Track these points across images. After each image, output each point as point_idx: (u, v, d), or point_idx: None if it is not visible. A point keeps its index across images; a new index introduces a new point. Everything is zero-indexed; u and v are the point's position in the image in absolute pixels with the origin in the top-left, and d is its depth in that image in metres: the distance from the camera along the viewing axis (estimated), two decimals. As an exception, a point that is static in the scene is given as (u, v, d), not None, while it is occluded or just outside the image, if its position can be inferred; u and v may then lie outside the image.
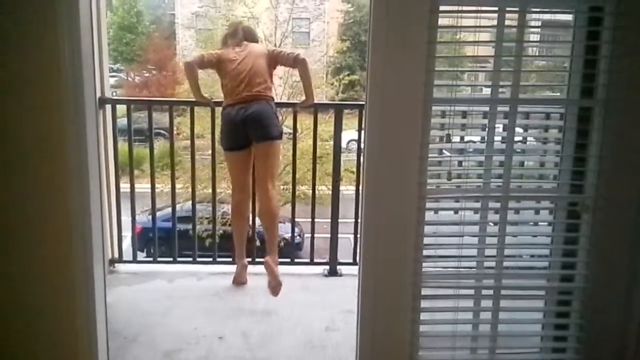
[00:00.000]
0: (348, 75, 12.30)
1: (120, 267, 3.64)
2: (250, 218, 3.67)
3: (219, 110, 3.55)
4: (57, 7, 2.00)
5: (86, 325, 2.24)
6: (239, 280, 3.53)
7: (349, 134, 3.98)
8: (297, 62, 3.49)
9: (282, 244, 4.79)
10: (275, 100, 3.52)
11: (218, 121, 3.61)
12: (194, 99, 3.52)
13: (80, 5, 2.04)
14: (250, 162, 3.48)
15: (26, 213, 2.15)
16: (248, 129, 3.34)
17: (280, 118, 3.59)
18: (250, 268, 3.56)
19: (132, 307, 3.15)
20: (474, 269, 2.26)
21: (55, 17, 2.00)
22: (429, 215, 2.16)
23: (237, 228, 3.64)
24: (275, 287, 3.31)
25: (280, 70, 3.92)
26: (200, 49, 12.29)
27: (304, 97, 3.50)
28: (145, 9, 20.95)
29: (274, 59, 3.51)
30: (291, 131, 4.05)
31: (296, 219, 4.07)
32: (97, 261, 2.25)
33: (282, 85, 10.36)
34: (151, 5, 22.29)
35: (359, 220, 2.33)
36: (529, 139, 2.54)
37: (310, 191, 4.03)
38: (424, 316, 2.21)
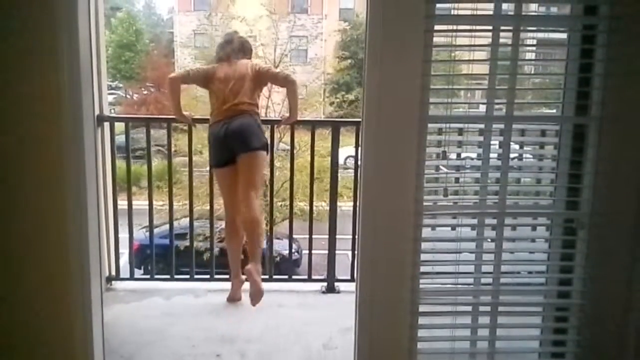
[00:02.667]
0: (345, 94, 12.37)
1: (117, 284, 3.63)
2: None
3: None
4: (56, 27, 2.02)
5: (83, 343, 2.23)
6: (234, 297, 3.53)
7: (346, 150, 3.99)
8: (287, 82, 3.52)
9: (278, 258, 4.77)
10: (273, 117, 3.53)
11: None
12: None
13: (79, 24, 2.07)
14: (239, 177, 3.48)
15: (24, 229, 2.15)
16: (231, 142, 3.36)
17: (266, 132, 3.56)
18: (248, 285, 3.56)
19: (129, 325, 3.13)
20: (471, 286, 2.27)
21: (54, 36, 2.03)
22: (426, 232, 2.17)
23: (232, 245, 3.61)
24: (255, 294, 3.23)
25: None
26: (198, 65, 12.35)
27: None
28: (144, 27, 21.15)
29: (263, 77, 3.53)
30: (289, 147, 4.05)
31: (294, 236, 4.06)
32: (94, 278, 2.25)
33: (281, 103, 10.42)
34: (150, 24, 22.52)
35: (357, 237, 2.33)
36: (525, 155, 2.55)
37: (308, 207, 4.03)
38: (421, 333, 2.21)
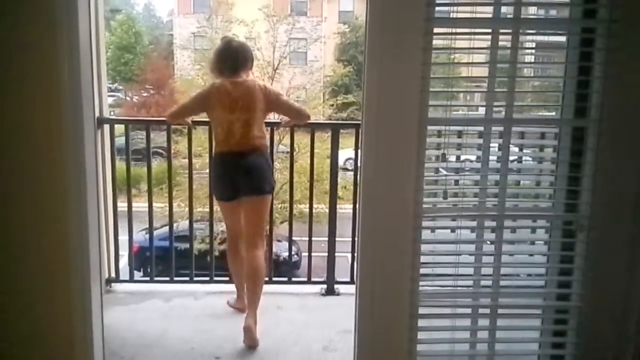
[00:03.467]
0: (343, 95, 12.40)
1: (117, 286, 3.62)
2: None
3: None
4: (57, 29, 2.03)
5: (83, 345, 2.23)
6: (240, 308, 3.31)
7: (346, 153, 3.99)
8: (300, 117, 3.31)
9: (281, 258, 4.74)
10: (272, 120, 3.44)
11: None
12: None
13: (79, 26, 2.08)
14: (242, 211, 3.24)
15: (24, 232, 2.16)
16: (240, 181, 3.09)
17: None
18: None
19: (128, 327, 3.13)
20: (471, 288, 2.27)
21: (55, 38, 2.04)
22: (426, 234, 2.17)
23: (235, 267, 3.35)
24: (250, 346, 2.98)
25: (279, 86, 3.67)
26: (197, 68, 12.38)
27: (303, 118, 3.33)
28: (143, 29, 21.19)
29: (272, 106, 3.20)
30: (288, 149, 4.04)
31: (293, 238, 4.07)
32: (94, 281, 2.25)
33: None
34: (150, 26, 22.56)
35: (356, 239, 2.33)
36: (524, 158, 2.56)
37: (307, 209, 4.03)
38: (421, 335, 2.21)
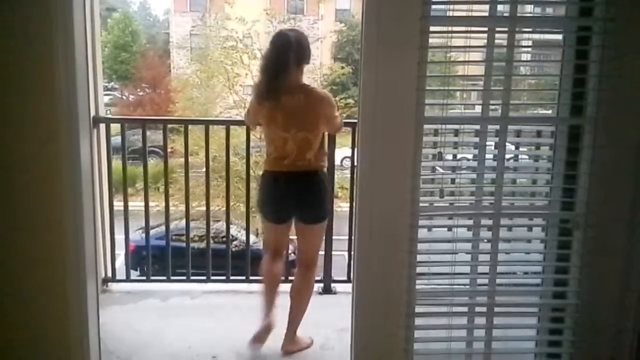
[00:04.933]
0: (344, 94, 12.39)
1: (113, 286, 3.62)
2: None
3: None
4: (52, 27, 2.02)
5: (79, 344, 2.23)
6: (259, 340, 2.89)
7: (343, 151, 3.99)
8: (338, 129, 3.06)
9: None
10: None
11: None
12: (187, 118, 3.52)
13: (75, 25, 2.07)
14: (290, 232, 2.99)
15: (20, 232, 2.15)
16: (293, 205, 2.84)
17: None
18: (246, 286, 3.55)
19: (125, 327, 3.12)
20: (467, 286, 2.27)
21: (50, 37, 2.03)
22: (422, 233, 2.17)
23: (268, 291, 2.97)
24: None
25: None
26: (194, 66, 12.35)
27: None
28: (140, 27, 21.15)
29: (327, 119, 2.82)
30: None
31: (290, 236, 4.06)
32: (90, 280, 2.25)
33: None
34: (146, 25, 22.52)
35: (353, 238, 2.33)
36: (520, 156, 2.56)
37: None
38: (417, 334, 2.21)
